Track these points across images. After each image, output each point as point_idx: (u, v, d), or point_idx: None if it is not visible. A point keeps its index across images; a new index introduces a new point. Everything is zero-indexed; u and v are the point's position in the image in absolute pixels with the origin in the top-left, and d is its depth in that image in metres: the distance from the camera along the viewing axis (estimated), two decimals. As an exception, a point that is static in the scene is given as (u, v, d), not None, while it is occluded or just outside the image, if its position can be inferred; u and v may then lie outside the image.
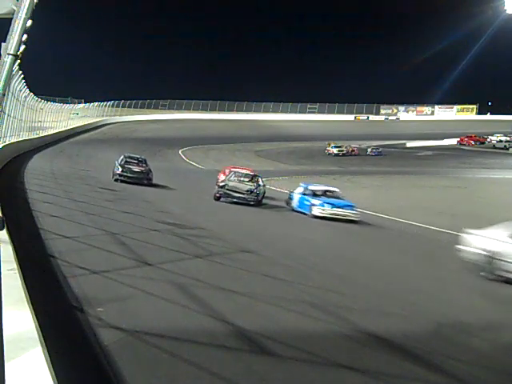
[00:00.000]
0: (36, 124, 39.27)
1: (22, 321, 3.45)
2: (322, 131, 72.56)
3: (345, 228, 16.54)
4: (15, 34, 4.04)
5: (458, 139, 71.46)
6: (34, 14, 4.21)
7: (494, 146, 67.43)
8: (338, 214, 17.34)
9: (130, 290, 6.40)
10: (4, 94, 4.17)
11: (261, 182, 20.48)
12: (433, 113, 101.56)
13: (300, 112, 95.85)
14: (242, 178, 20.36)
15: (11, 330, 3.19)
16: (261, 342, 5.17)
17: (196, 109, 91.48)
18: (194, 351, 4.79)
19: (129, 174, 21.71)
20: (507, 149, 64.68)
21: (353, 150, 56.62)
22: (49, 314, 4.68)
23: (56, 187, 17.75)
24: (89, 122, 64.81)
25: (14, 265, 4.91)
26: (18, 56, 4.09)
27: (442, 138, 70.80)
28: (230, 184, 19.64)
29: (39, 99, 39.65)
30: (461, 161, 52.00)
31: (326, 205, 17.62)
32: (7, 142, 25.01)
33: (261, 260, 9.66)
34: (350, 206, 17.84)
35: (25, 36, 4.51)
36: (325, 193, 18.99)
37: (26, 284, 4.41)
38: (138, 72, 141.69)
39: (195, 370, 4.35)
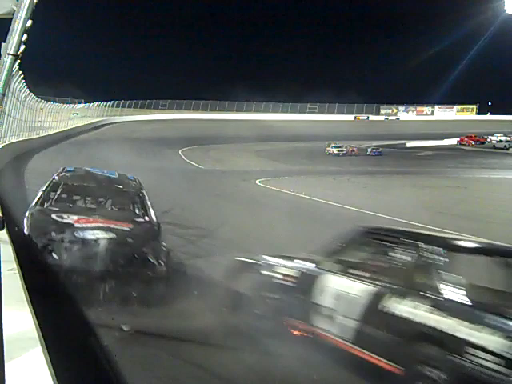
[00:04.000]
0: (36, 124, 39.25)
1: (22, 321, 3.44)
2: (321, 131, 72.46)
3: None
4: (15, 34, 4.04)
5: (458, 139, 71.39)
6: (34, 13, 4.21)
7: (494, 146, 67.34)
8: None
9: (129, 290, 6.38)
10: (4, 94, 4.17)
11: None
12: (433, 113, 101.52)
13: (300, 112, 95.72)
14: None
15: (11, 330, 3.19)
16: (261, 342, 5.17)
17: (196, 109, 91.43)
18: (194, 351, 4.79)
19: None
20: (507, 149, 64.64)
21: (353, 150, 56.59)
22: (49, 314, 4.67)
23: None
24: (89, 122, 64.80)
25: (14, 265, 4.90)
26: (18, 56, 4.09)
27: (442, 138, 70.75)
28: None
29: (39, 99, 39.66)
30: (461, 161, 51.93)
31: None
32: (7, 142, 25.03)
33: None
34: None
35: (25, 36, 4.51)
36: None
37: (26, 284, 4.40)
38: (137, 72, 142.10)
39: (195, 369, 4.35)
